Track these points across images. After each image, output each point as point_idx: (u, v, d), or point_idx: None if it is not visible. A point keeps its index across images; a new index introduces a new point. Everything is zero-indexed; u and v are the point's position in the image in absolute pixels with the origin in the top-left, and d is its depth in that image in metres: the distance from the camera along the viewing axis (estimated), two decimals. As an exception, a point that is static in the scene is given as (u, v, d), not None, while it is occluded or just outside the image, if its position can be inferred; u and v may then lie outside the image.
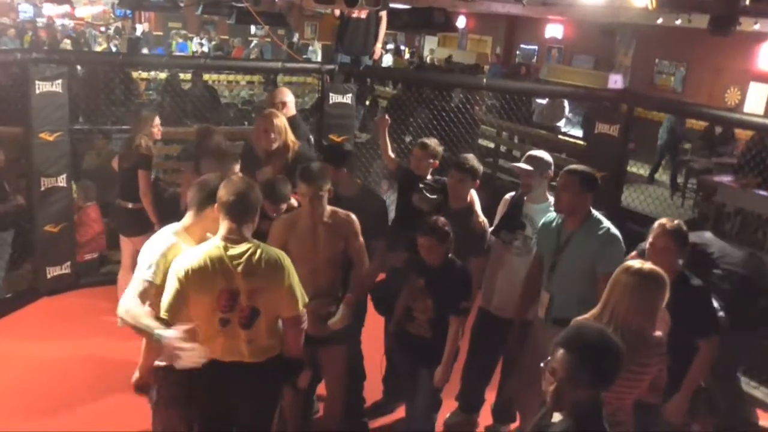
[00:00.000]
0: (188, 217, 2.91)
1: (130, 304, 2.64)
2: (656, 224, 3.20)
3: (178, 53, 17.92)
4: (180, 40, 19.28)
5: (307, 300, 2.88)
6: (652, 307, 2.58)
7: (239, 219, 2.73)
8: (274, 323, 2.87)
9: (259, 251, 2.74)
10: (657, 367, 2.61)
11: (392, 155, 4.53)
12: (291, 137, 4.28)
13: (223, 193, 2.72)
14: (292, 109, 4.83)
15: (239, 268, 2.70)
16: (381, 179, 6.81)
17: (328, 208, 3.39)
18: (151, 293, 2.69)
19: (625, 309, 2.56)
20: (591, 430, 2.01)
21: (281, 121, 4.26)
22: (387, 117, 4.61)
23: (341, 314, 3.38)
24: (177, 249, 2.77)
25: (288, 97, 4.83)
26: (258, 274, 2.72)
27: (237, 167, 3.67)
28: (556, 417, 2.12)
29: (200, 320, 2.67)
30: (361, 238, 3.46)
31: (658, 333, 2.64)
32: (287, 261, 2.81)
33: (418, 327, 3.43)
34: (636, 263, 2.66)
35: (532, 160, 3.84)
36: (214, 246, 2.72)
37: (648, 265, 2.63)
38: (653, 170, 10.58)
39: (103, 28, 19.76)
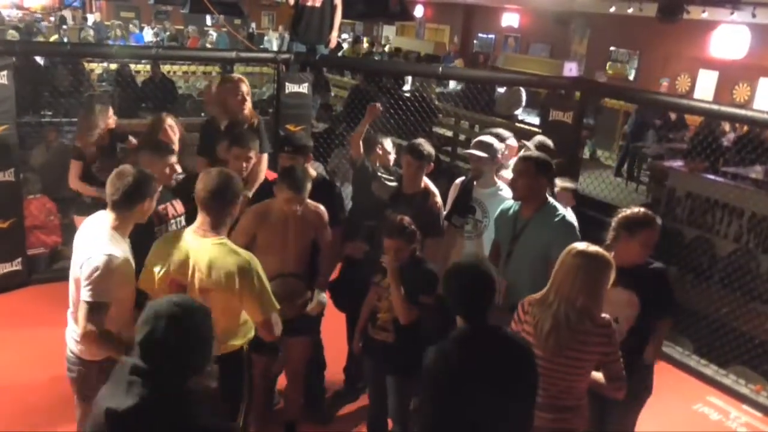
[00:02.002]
0: (114, 219, 2.82)
1: None
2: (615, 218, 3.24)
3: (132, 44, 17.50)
4: (136, 31, 18.81)
5: (278, 307, 2.80)
6: (597, 287, 2.62)
7: (210, 213, 2.72)
8: (234, 321, 2.82)
9: (217, 254, 2.68)
10: (601, 349, 2.63)
11: (361, 145, 4.48)
12: (250, 104, 4.42)
13: (200, 186, 2.72)
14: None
15: (191, 262, 2.69)
16: (336, 167, 6.79)
17: None
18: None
19: (569, 288, 2.62)
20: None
21: (247, 86, 4.36)
22: (378, 106, 4.46)
23: (317, 300, 3.45)
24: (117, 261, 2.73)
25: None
26: (209, 275, 2.67)
27: (173, 158, 3.52)
28: None
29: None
30: (329, 229, 3.49)
31: (605, 315, 2.69)
32: (251, 269, 2.69)
33: (380, 329, 3.36)
34: (581, 245, 2.70)
35: (484, 146, 3.88)
36: (185, 231, 2.77)
37: (593, 247, 2.68)
38: (621, 162, 10.49)
39: (52, 18, 19.17)
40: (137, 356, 1.75)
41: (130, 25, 19.00)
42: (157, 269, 2.76)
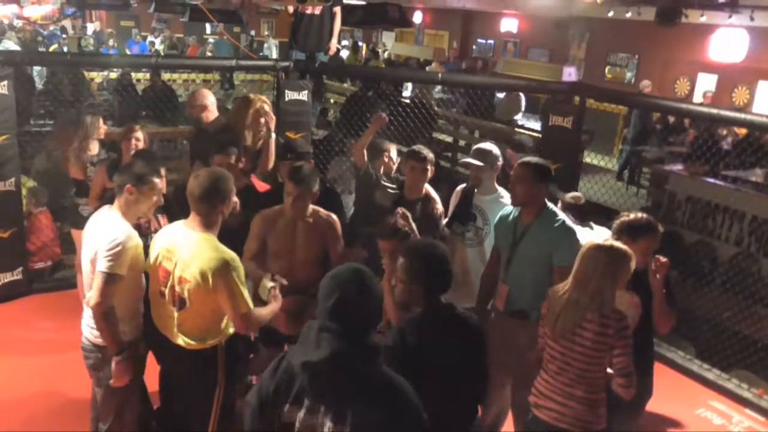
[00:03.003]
0: (120, 206, 3.04)
1: None
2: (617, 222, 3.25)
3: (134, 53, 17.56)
4: (140, 40, 18.88)
5: (251, 306, 2.85)
6: (612, 276, 2.71)
7: (200, 213, 2.83)
8: (210, 317, 2.88)
9: (199, 249, 2.78)
10: (612, 341, 2.69)
11: (365, 153, 4.44)
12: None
13: (191, 186, 2.85)
14: (214, 112, 4.85)
15: (176, 254, 2.81)
16: (338, 176, 6.80)
17: (311, 207, 3.41)
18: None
19: (583, 275, 2.74)
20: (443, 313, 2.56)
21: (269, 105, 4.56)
22: (384, 115, 4.50)
23: None
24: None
25: (208, 99, 4.85)
26: (186, 269, 2.78)
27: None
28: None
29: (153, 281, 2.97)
30: (342, 241, 3.47)
31: (619, 309, 2.76)
32: (227, 267, 2.75)
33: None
34: (604, 241, 2.81)
35: (482, 155, 3.89)
36: (180, 222, 2.90)
37: (611, 241, 2.83)
38: (623, 166, 10.43)
39: (52, 27, 19.22)
40: (324, 318, 1.95)
41: (137, 36, 19.08)
42: (153, 254, 2.95)
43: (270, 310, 3.05)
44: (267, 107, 4.59)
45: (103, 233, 2.92)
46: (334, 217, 3.47)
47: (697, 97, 12.35)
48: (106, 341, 2.92)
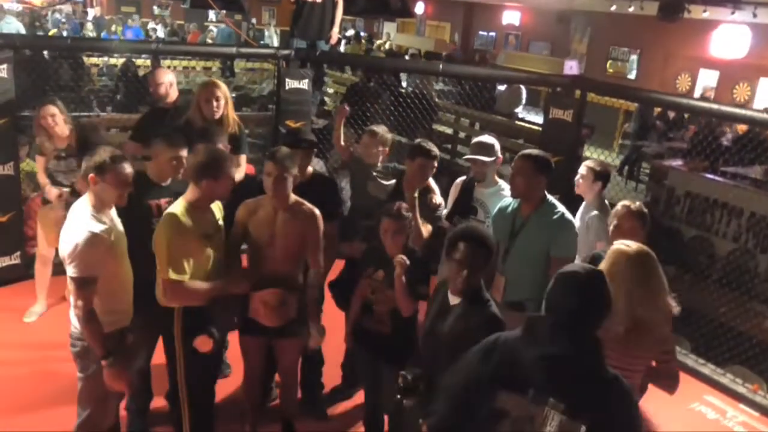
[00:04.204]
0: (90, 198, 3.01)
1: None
2: (619, 206, 3.27)
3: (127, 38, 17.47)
4: (134, 24, 18.77)
5: (173, 276, 2.97)
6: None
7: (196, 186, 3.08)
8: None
9: (172, 207, 3.06)
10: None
11: (343, 144, 4.43)
12: (233, 111, 4.35)
13: (189, 161, 3.16)
14: (176, 90, 4.76)
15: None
16: (338, 166, 6.79)
17: (294, 198, 3.35)
18: None
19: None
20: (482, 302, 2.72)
21: (224, 90, 4.31)
22: (346, 107, 4.55)
23: (315, 333, 3.43)
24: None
25: (169, 76, 4.72)
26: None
27: (183, 151, 3.48)
28: (454, 300, 2.76)
29: None
30: (321, 237, 3.39)
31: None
32: (163, 225, 3.00)
33: (376, 321, 3.37)
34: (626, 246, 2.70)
35: (485, 149, 3.88)
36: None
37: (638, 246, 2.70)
38: (625, 160, 10.35)
39: (55, 12, 19.17)
40: (563, 315, 2.03)
41: (129, 20, 18.97)
42: None
43: (210, 288, 3.08)
44: (218, 91, 4.30)
45: (65, 236, 2.90)
46: (317, 211, 3.39)
47: (698, 93, 12.34)
48: (91, 344, 2.90)
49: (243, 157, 4.43)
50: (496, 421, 2.05)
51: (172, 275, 2.96)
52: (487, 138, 4.00)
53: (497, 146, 3.95)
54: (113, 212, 3.07)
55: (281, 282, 3.31)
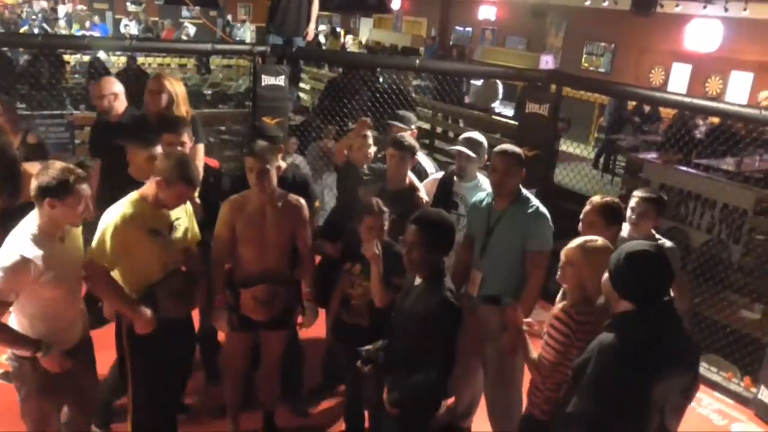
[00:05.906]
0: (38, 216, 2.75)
1: None
2: (588, 201, 3.29)
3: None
4: (99, 22, 18.43)
5: (100, 263, 2.93)
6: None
7: None
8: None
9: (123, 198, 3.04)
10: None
11: (345, 153, 4.28)
12: (186, 106, 4.24)
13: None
14: (124, 101, 4.32)
15: None
16: (315, 161, 6.77)
17: (280, 191, 3.36)
18: None
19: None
20: (440, 285, 2.76)
21: (176, 85, 4.21)
22: (368, 120, 4.29)
23: (311, 314, 3.49)
24: None
25: (117, 86, 4.31)
26: None
27: (157, 150, 3.50)
28: (417, 280, 2.86)
29: None
30: (309, 225, 3.43)
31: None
32: (107, 215, 2.95)
33: (355, 315, 3.40)
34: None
35: (473, 145, 3.88)
36: None
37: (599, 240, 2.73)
38: (599, 154, 10.39)
39: (26, 9, 18.79)
40: (659, 296, 2.32)
41: (95, 17, 18.68)
42: None
43: (120, 297, 3.00)
44: (159, 84, 4.18)
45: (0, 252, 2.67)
46: (303, 201, 3.42)
47: (671, 87, 12.49)
48: (15, 350, 2.82)
49: (200, 147, 4.19)
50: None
51: (97, 262, 2.92)
52: (477, 135, 3.98)
53: (485, 145, 3.93)
54: (78, 229, 2.93)
55: (271, 276, 3.34)
